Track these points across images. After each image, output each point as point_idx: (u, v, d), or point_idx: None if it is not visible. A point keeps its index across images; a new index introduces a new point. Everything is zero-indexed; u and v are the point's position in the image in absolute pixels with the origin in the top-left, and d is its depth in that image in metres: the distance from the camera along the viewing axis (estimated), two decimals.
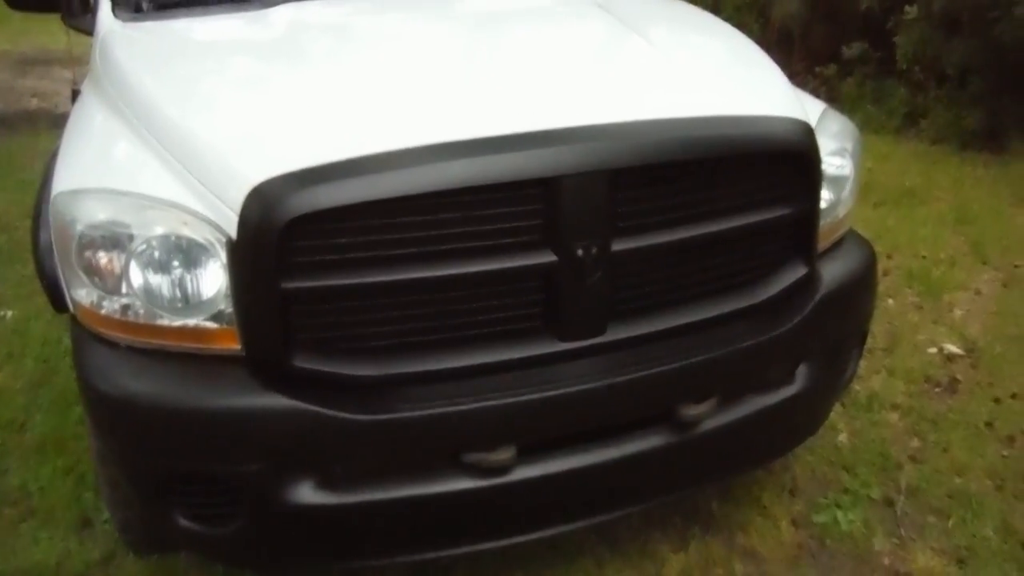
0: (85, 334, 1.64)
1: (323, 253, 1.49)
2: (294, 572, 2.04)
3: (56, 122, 6.29)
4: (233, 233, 1.49)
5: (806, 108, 1.91)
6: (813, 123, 1.86)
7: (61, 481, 2.37)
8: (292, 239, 1.45)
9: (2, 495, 2.33)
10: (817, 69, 6.62)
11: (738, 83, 1.96)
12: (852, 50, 6.34)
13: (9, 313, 3.41)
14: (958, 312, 3.38)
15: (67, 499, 2.30)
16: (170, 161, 1.61)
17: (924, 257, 3.87)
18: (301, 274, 1.48)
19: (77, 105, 2.17)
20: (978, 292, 3.56)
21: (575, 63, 2.02)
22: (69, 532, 2.19)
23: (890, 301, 3.42)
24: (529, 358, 1.63)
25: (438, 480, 1.61)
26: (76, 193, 1.62)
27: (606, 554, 2.10)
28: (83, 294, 1.59)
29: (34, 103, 7.56)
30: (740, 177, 1.74)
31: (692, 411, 1.72)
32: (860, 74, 6.40)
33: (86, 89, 2.23)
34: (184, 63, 2.00)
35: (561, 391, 1.61)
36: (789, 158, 1.76)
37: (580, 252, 1.56)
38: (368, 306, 1.55)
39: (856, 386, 2.74)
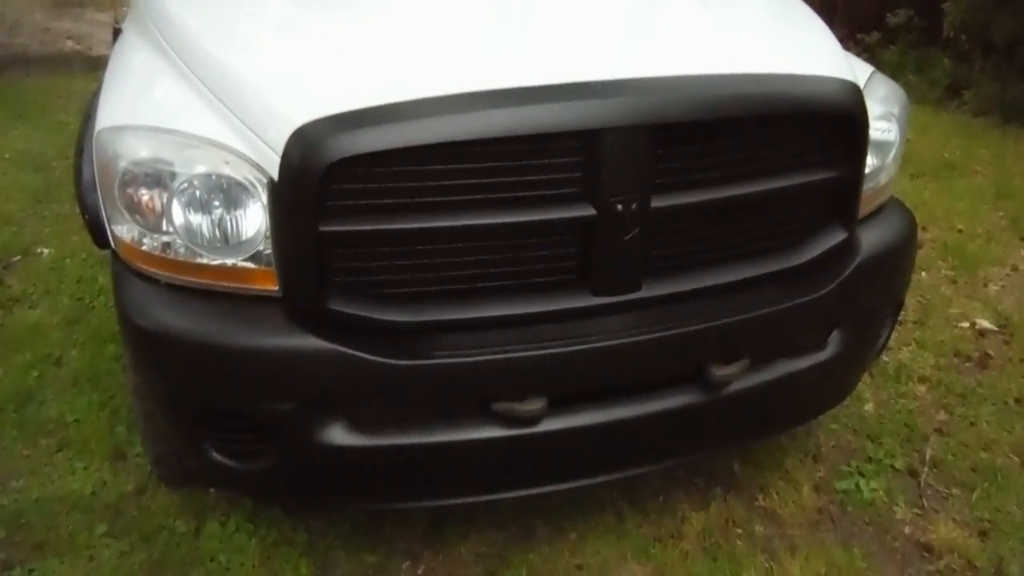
0: (125, 270, 1.66)
1: (362, 197, 1.49)
2: (320, 511, 2.08)
3: (92, 64, 6.35)
4: (274, 174, 1.49)
5: (855, 70, 1.86)
6: (861, 86, 1.82)
7: (96, 414, 2.43)
8: (333, 182, 1.45)
9: (40, 425, 2.40)
10: (859, 36, 6.47)
11: (786, 41, 1.92)
12: (897, 17, 6.19)
13: (46, 251, 3.47)
14: (993, 287, 3.33)
15: (101, 432, 2.36)
16: (213, 100, 1.61)
17: (960, 231, 3.80)
18: (340, 217, 1.49)
19: (119, 43, 2.17)
20: (1015, 268, 3.50)
21: (621, 16, 1.98)
22: (103, 463, 2.25)
23: (923, 274, 3.37)
24: (562, 311, 1.63)
25: (467, 428, 1.63)
26: (119, 129, 1.63)
27: (627, 510, 2.13)
28: (124, 230, 1.61)
29: (69, 45, 7.60)
30: (785, 137, 1.71)
31: (722, 371, 1.72)
32: (903, 42, 6.26)
33: (128, 27, 2.23)
34: (228, 2, 1.99)
35: (593, 345, 1.62)
36: (837, 119, 1.73)
37: (619, 207, 1.55)
38: (404, 252, 1.55)
39: (884, 357, 2.72)
